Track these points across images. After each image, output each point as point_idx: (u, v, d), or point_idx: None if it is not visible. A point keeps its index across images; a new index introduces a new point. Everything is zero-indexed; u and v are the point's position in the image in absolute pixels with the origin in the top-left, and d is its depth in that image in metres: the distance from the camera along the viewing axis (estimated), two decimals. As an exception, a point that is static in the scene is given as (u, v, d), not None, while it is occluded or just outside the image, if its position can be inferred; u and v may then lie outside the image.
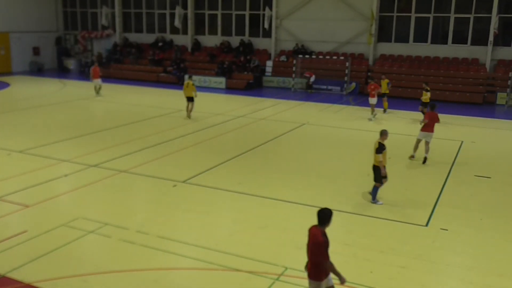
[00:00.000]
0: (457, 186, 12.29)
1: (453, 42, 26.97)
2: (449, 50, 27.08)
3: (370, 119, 19.90)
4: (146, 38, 34.57)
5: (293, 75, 28.34)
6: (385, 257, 8.40)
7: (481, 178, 12.86)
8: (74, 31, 37.03)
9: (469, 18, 26.35)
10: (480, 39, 26.24)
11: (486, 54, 26.05)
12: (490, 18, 25.54)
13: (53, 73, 34.13)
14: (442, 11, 26.96)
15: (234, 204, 10.86)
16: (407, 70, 27.14)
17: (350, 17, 28.50)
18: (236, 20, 31.91)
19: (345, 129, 18.68)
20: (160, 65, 32.17)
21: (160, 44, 33.47)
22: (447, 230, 9.52)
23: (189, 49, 32.97)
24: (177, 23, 32.66)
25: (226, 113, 20.88)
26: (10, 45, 33.59)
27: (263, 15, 30.54)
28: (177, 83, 29.65)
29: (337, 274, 5.95)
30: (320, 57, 28.43)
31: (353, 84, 27.56)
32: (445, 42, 27.19)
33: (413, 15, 27.41)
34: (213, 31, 32.84)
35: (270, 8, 30.12)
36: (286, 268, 7.86)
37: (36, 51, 35.36)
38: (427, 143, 14.07)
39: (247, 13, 31.43)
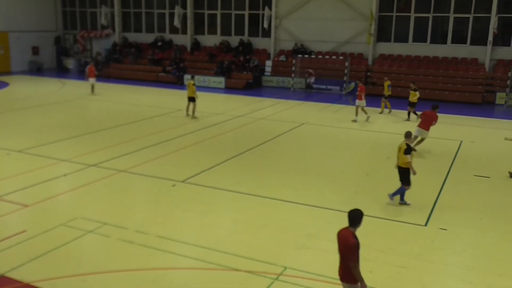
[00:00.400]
0: (457, 186, 12.30)
1: (452, 42, 26.98)
2: (448, 50, 27.09)
3: (354, 121, 19.47)
4: (145, 37, 34.55)
5: (293, 75, 28.33)
6: (385, 257, 8.41)
7: (480, 178, 12.86)
8: (73, 30, 37.00)
9: (468, 18, 26.35)
10: (479, 39, 26.24)
11: (485, 54, 26.05)
12: (489, 18, 25.54)
13: (52, 73, 34.09)
14: (442, 11, 26.97)
15: (233, 203, 10.85)
16: (406, 70, 27.12)
17: (349, 17, 28.50)
18: (236, 20, 31.90)
19: (345, 128, 18.66)
20: (160, 64, 32.15)
21: (159, 43, 33.44)
22: (446, 230, 9.52)
23: (189, 49, 32.95)
24: (177, 22, 32.62)
25: (225, 113, 20.86)
26: (9, 45, 33.53)
27: (263, 14, 30.51)
28: (177, 83, 29.70)
29: (360, 279, 5.83)
30: (320, 56, 28.42)
31: (352, 84, 27.50)
32: (444, 42, 27.19)
33: (413, 15, 27.41)
34: (212, 31, 32.81)
35: (270, 8, 30.11)
36: (286, 268, 7.86)
37: (35, 50, 35.31)
38: (422, 139, 14.28)
39: (246, 12, 31.41)
